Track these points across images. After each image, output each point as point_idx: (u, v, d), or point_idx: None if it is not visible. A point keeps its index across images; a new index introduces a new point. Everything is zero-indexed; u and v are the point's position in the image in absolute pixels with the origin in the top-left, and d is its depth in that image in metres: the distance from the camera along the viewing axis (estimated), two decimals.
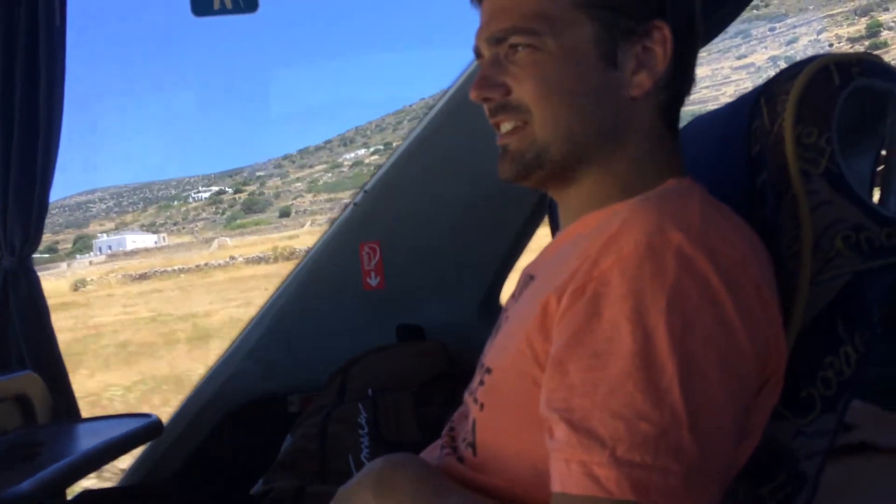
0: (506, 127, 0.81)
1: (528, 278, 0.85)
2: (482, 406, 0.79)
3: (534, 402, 0.69)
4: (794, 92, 0.76)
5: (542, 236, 1.59)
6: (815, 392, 0.74)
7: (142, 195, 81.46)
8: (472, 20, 0.86)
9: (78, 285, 28.44)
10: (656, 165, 0.80)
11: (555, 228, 1.31)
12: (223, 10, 1.67)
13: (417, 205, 1.72)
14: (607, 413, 0.61)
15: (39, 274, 1.83)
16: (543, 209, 1.64)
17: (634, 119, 0.79)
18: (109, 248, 54.37)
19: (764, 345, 0.67)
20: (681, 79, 0.81)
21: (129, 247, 53.03)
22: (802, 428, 0.75)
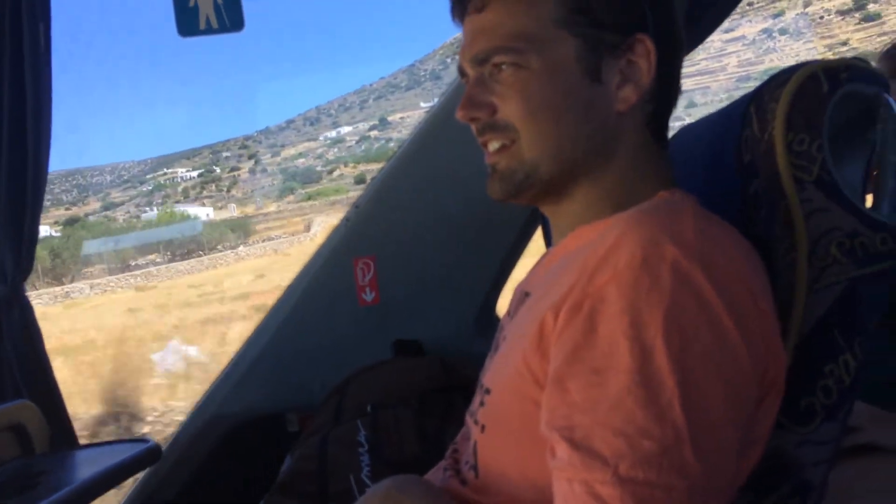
0: (493, 146, 0.81)
1: (522, 295, 0.85)
2: (483, 427, 0.78)
3: (534, 423, 0.69)
4: (783, 99, 0.76)
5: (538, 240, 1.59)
6: (815, 401, 0.74)
7: (74, 182, 76.35)
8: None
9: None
10: (646, 178, 0.80)
11: (548, 240, 1.31)
12: (209, 30, 1.67)
13: (410, 219, 1.72)
14: (609, 430, 0.61)
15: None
16: (536, 220, 1.64)
17: (622, 133, 0.79)
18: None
19: (762, 356, 0.67)
20: (667, 90, 0.81)
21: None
22: (805, 437, 0.74)
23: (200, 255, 33.32)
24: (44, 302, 22.51)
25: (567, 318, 0.67)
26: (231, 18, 1.68)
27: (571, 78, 0.77)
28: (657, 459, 0.59)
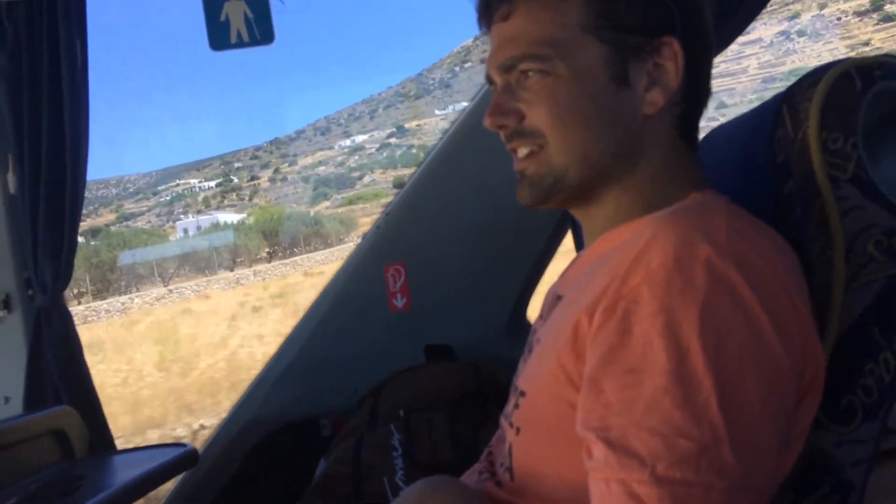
0: (522, 152, 0.82)
1: (555, 298, 0.85)
2: (518, 430, 0.78)
3: (569, 424, 0.69)
4: (816, 98, 0.76)
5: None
6: (855, 400, 0.73)
7: None
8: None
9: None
10: (677, 179, 0.80)
11: (579, 244, 1.31)
12: (240, 44, 1.70)
13: (440, 225, 1.73)
14: (645, 431, 0.61)
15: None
16: (566, 224, 1.64)
17: (651, 136, 0.79)
18: (198, 228, 48.76)
19: (800, 355, 0.66)
20: (696, 92, 0.81)
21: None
22: (845, 436, 0.74)
23: (329, 247, 34.40)
24: (221, 287, 23.25)
25: (602, 319, 0.67)
26: (261, 32, 1.71)
27: (598, 83, 0.77)
28: (695, 459, 0.59)
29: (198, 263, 32.64)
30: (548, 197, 0.81)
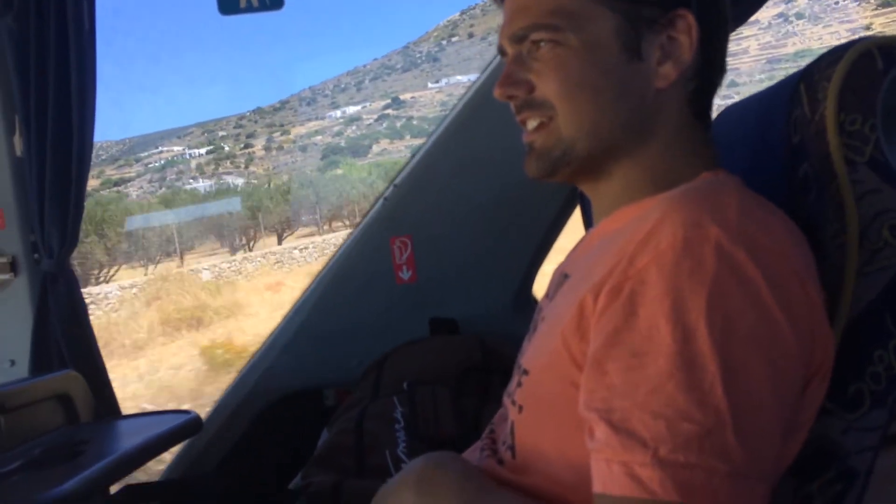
0: (531, 124, 0.81)
1: (561, 277, 0.85)
2: (520, 408, 0.78)
3: (572, 403, 0.69)
4: (835, 78, 0.74)
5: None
6: (863, 387, 0.72)
7: None
8: None
9: None
10: (688, 157, 0.79)
11: (587, 221, 1.30)
12: (249, 8, 1.68)
13: (448, 198, 1.72)
14: (648, 413, 0.61)
15: None
16: (575, 200, 1.62)
17: (662, 111, 0.78)
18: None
19: (809, 340, 0.65)
20: (710, 67, 0.80)
21: None
22: (852, 423, 0.73)
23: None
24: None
25: (607, 300, 0.66)
26: None
27: (610, 55, 0.76)
28: (698, 443, 0.59)
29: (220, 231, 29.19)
30: (555, 169, 0.80)
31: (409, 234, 1.73)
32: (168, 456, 1.68)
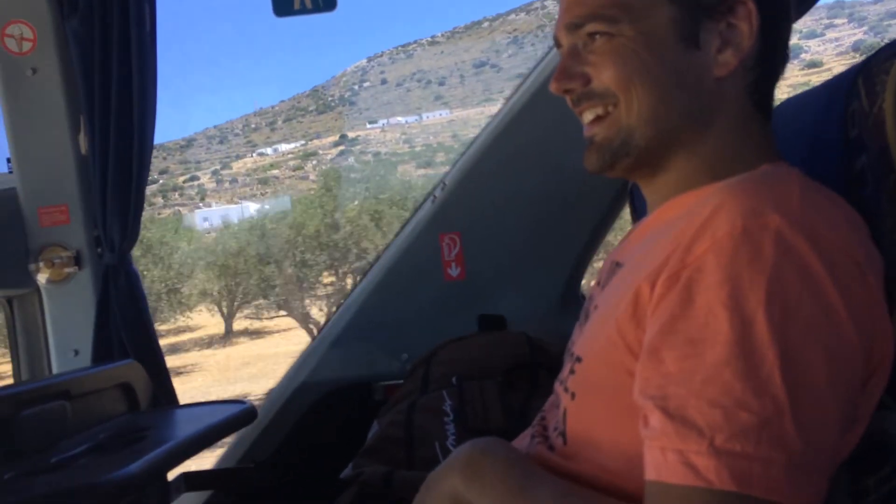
0: (589, 116, 0.81)
1: (613, 265, 0.85)
2: (573, 395, 0.79)
3: (626, 391, 0.69)
4: (894, 70, 0.73)
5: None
6: None
7: None
8: None
9: None
10: (748, 148, 0.78)
11: (636, 217, 1.30)
12: (303, 10, 1.72)
13: (497, 195, 1.73)
14: (704, 401, 0.61)
15: None
16: (624, 199, 1.62)
17: (721, 100, 0.78)
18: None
19: (869, 332, 0.65)
20: (771, 56, 0.79)
21: None
22: None
23: None
24: None
25: (664, 288, 0.66)
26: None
27: (666, 44, 0.76)
28: (755, 432, 0.59)
29: None
30: (615, 161, 0.80)
31: (457, 231, 1.75)
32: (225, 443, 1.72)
